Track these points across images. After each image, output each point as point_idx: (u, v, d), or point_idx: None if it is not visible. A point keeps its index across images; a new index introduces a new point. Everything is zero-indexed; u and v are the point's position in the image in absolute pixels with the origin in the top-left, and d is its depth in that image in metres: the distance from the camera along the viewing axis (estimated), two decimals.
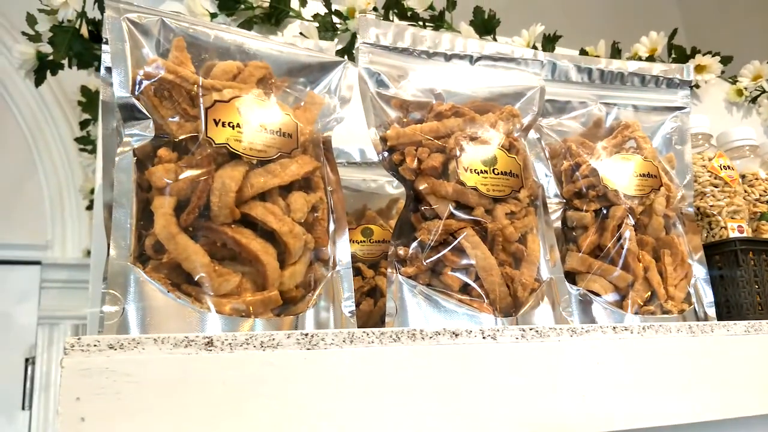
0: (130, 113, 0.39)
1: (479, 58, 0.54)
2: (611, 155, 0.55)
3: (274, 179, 0.40)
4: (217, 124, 0.39)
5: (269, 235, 0.39)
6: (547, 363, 0.41)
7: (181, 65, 0.40)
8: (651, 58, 1.03)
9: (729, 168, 0.61)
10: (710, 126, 0.66)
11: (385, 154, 0.48)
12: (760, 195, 0.63)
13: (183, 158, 0.38)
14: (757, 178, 0.64)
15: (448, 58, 0.53)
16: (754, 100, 1.16)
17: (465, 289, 0.46)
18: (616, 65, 0.59)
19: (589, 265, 0.52)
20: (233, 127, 0.39)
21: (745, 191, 0.64)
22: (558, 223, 0.56)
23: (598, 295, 0.52)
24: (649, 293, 0.52)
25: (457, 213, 0.46)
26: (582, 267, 0.53)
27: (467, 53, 0.54)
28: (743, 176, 0.65)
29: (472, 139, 0.49)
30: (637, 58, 1.03)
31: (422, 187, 0.47)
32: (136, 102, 0.39)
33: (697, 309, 0.54)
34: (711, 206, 0.60)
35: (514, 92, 0.54)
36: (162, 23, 0.42)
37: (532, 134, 0.57)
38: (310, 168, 0.41)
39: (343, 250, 0.43)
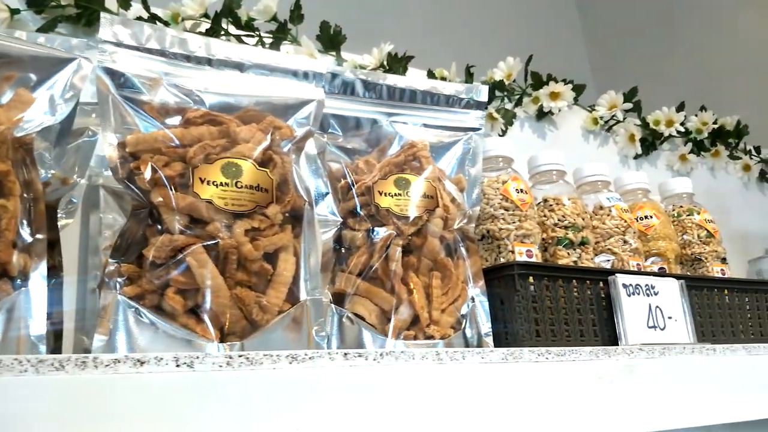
0: None
1: (251, 66, 0.51)
2: (390, 174, 0.53)
3: None
4: None
5: None
6: (258, 392, 0.38)
7: None
8: (501, 84, 1.04)
9: (523, 192, 0.61)
10: (511, 149, 0.65)
11: (122, 161, 0.44)
12: (559, 220, 0.63)
13: None
14: (558, 203, 0.64)
15: (215, 63, 0.50)
16: (609, 129, 1.20)
17: (193, 311, 0.42)
18: (405, 82, 0.57)
19: (356, 286, 0.50)
20: None
21: (545, 215, 0.64)
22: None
23: (362, 318, 0.49)
24: (413, 317, 0.49)
25: (189, 228, 0.43)
26: (349, 288, 0.50)
27: (238, 60, 0.51)
28: (545, 200, 0.65)
29: (224, 149, 0.45)
30: (491, 81, 1.04)
31: (156, 200, 0.43)
32: None
33: (469, 335, 0.53)
34: (500, 229, 0.59)
35: (287, 104, 0.51)
36: None
37: (312, 149, 0.54)
38: None
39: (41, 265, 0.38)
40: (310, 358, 0.40)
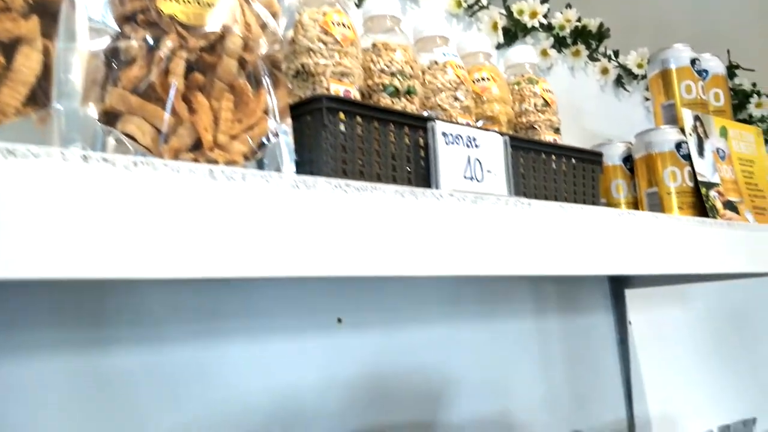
0: None
1: None
2: None
3: None
4: None
5: None
6: None
7: None
8: None
9: (345, 26, 0.55)
10: None
11: None
12: (386, 65, 0.59)
13: None
14: (387, 48, 0.59)
15: None
16: (473, 14, 1.16)
17: None
18: None
19: (129, 103, 0.43)
20: None
21: (372, 60, 0.59)
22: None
23: (134, 139, 0.43)
24: (194, 140, 0.43)
25: None
26: (122, 105, 0.43)
27: None
28: (374, 45, 0.60)
29: None
30: None
31: None
32: None
33: (267, 168, 0.48)
34: (316, 64, 0.53)
35: None
36: None
37: None
38: None
39: None
40: (34, 155, 0.33)
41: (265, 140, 0.48)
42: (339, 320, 0.85)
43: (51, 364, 0.62)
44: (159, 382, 0.67)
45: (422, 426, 0.76)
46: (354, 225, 0.46)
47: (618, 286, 1.25)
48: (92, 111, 0.43)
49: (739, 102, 1.65)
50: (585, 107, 1.33)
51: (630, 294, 1.28)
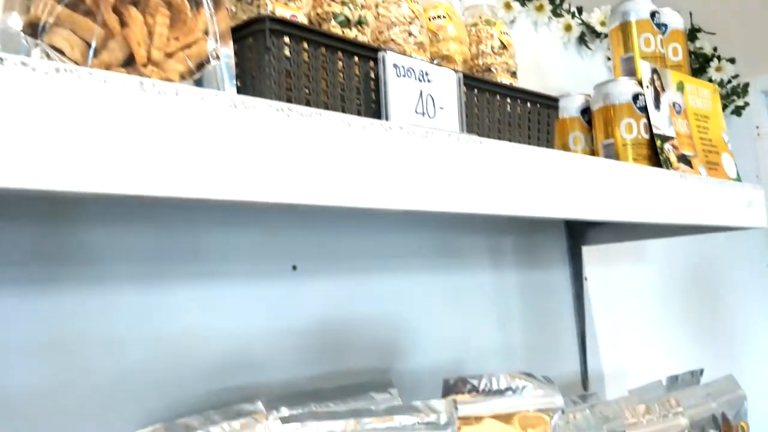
0: None
1: None
2: None
3: None
4: None
5: None
6: None
7: None
8: None
9: None
10: None
11: None
12: None
13: None
14: None
15: None
16: None
17: None
18: None
19: (55, 14, 0.40)
20: None
21: None
22: None
23: (62, 52, 0.40)
24: (127, 55, 0.41)
25: None
26: (47, 16, 0.40)
27: None
28: None
29: None
30: None
31: None
32: None
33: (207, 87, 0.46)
34: None
35: None
36: None
37: None
38: None
39: None
40: None
41: (204, 62, 0.46)
42: (294, 267, 0.84)
43: None
44: (104, 324, 0.66)
45: (377, 373, 0.76)
46: (295, 152, 0.45)
47: (575, 242, 1.26)
48: (15, 21, 0.40)
49: (700, 66, 1.67)
50: (547, 64, 1.33)
51: (587, 251, 1.29)
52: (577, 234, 1.26)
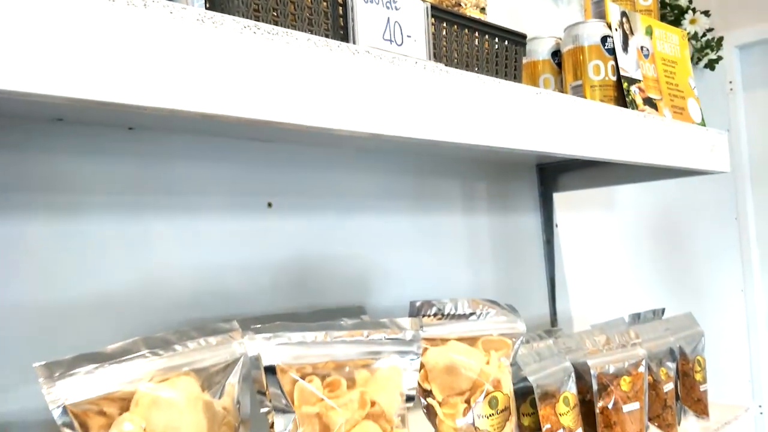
0: None
1: None
2: None
3: None
4: None
5: None
6: None
7: None
8: None
9: None
10: None
11: None
12: None
13: None
14: None
15: None
16: None
17: None
18: None
19: None
20: None
21: None
22: None
23: None
24: None
25: None
26: None
27: None
28: None
29: None
30: None
31: None
32: None
33: None
34: None
35: None
36: None
37: None
38: None
39: None
40: None
41: None
42: (269, 204, 0.85)
43: None
44: (80, 252, 0.67)
45: (350, 309, 0.78)
46: (262, 70, 0.46)
47: (546, 189, 1.29)
48: None
49: (675, 18, 1.68)
50: (521, 12, 1.33)
51: (558, 197, 1.33)
52: (549, 181, 1.29)
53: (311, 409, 0.50)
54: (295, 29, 0.51)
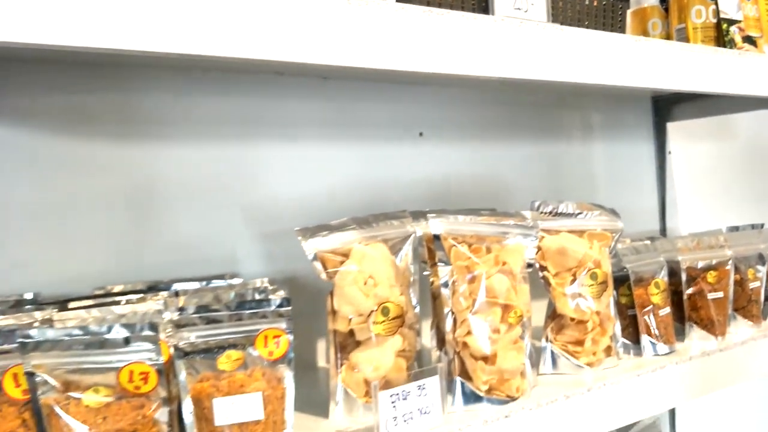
0: None
1: None
2: None
3: None
4: None
5: None
6: None
7: None
8: None
9: None
10: None
11: None
12: None
13: None
14: None
15: None
16: None
17: None
18: None
19: None
20: None
21: None
22: None
23: None
24: None
25: None
26: None
27: None
28: None
29: None
30: None
31: None
32: None
33: None
34: None
35: None
36: None
37: None
38: None
39: None
40: None
41: None
42: (420, 134, 1.11)
43: (79, 160, 0.92)
44: (194, 180, 0.96)
45: (484, 209, 1.02)
46: (439, 38, 0.71)
47: (660, 119, 1.45)
48: None
49: None
50: None
51: (672, 127, 1.47)
52: (663, 111, 1.44)
53: (462, 263, 0.76)
54: (452, 6, 0.75)
